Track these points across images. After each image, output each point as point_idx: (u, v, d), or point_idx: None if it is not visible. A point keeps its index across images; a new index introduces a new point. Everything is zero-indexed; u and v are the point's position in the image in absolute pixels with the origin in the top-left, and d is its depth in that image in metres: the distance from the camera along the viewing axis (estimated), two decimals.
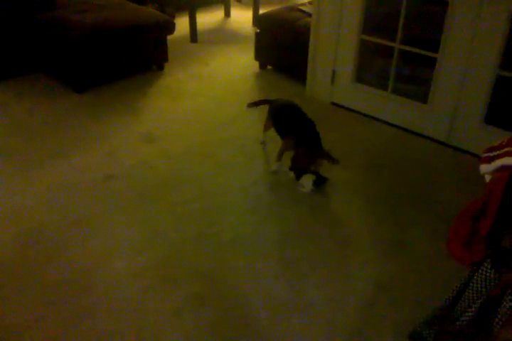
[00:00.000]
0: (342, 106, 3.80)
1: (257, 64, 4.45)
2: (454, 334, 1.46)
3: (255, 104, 3.25)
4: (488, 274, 1.36)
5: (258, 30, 4.28)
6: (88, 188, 2.84)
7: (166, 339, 1.99)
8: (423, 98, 3.37)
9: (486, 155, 1.30)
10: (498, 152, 1.27)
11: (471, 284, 1.41)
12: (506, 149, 1.24)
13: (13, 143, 3.26)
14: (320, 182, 2.81)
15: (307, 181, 2.80)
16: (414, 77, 3.62)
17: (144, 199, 2.77)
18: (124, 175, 2.96)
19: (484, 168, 1.32)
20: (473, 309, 1.40)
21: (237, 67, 4.50)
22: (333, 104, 3.84)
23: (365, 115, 3.69)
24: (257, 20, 4.26)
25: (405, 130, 3.51)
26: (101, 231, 2.53)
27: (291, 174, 2.87)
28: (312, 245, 2.51)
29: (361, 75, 3.67)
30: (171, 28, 4.22)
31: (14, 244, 2.43)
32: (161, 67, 4.36)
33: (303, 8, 4.15)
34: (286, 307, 2.15)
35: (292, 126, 2.92)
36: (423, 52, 3.24)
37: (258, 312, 2.12)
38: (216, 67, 4.50)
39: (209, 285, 2.25)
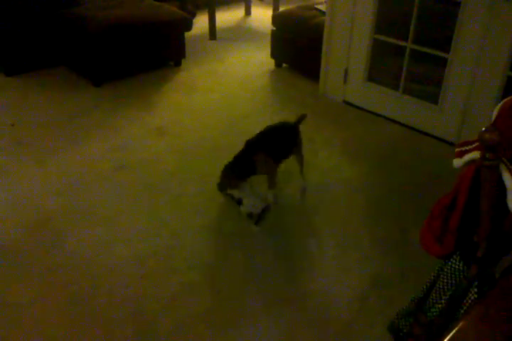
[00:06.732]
0: (354, 105, 3.81)
1: (272, 62, 4.49)
2: (425, 325, 1.48)
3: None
4: (456, 266, 1.38)
5: (274, 28, 4.32)
6: (98, 177, 2.93)
7: (160, 325, 2.05)
8: (434, 98, 3.36)
9: (459, 149, 1.32)
10: (469, 146, 1.28)
11: (441, 276, 1.44)
12: (477, 144, 1.25)
13: (31, 132, 3.38)
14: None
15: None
16: (426, 78, 3.61)
17: (150, 191, 2.85)
18: (134, 167, 3.05)
19: (456, 162, 1.34)
20: (442, 301, 1.42)
21: (252, 65, 4.55)
22: (345, 102, 3.85)
23: (377, 114, 3.70)
24: (273, 18, 4.30)
25: (416, 130, 3.51)
26: (106, 219, 2.61)
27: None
28: (310, 240, 2.54)
29: (373, 74, 3.68)
30: (188, 25, 4.31)
31: (22, 228, 2.53)
32: (178, 63, 4.44)
33: (319, 6, 4.17)
34: (280, 298, 2.20)
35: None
36: (434, 52, 3.24)
37: (251, 301, 2.17)
38: (232, 64, 4.56)
39: (206, 274, 2.31)
